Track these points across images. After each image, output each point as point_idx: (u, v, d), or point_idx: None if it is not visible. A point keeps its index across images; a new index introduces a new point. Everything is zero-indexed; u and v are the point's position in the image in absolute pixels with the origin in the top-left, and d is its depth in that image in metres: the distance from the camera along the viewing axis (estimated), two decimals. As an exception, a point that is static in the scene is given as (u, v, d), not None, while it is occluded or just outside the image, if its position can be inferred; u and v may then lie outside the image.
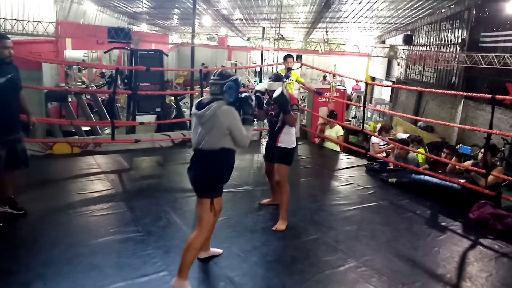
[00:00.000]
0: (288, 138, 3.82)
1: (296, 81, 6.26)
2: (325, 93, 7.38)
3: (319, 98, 7.55)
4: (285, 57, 6.19)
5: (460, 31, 12.58)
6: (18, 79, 3.50)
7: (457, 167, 5.16)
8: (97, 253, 3.15)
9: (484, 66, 10.22)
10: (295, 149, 3.97)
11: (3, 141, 3.39)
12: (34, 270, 2.86)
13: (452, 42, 13.09)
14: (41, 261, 2.98)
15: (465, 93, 6.17)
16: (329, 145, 7.28)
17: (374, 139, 6.89)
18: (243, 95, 2.84)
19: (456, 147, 5.31)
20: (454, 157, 5.27)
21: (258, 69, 18.59)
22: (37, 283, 2.72)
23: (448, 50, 13.16)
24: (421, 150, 6.33)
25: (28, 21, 12.04)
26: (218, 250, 3.25)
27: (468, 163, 5.14)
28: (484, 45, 11.07)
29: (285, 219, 3.82)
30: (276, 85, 3.75)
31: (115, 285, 2.75)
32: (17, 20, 11.68)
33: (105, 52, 14.16)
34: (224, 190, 4.69)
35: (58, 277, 2.80)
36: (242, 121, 2.76)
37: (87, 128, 9.09)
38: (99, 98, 10.72)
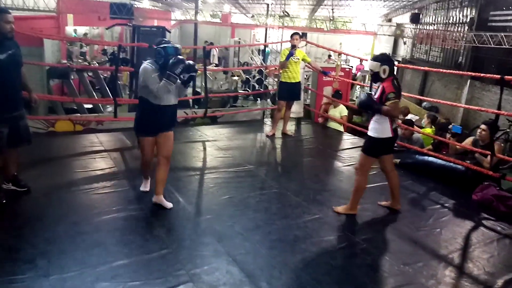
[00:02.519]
0: (377, 127, 3.56)
1: (302, 60, 6.17)
2: (330, 72, 7.27)
3: (324, 78, 7.46)
4: (292, 35, 6.09)
5: (469, 9, 12.32)
6: (19, 56, 3.44)
7: (457, 147, 5.11)
8: (100, 231, 3.16)
9: (492, 46, 10.04)
10: (383, 141, 3.58)
11: (5, 118, 3.36)
12: (38, 247, 2.88)
13: (460, 21, 12.85)
14: (45, 238, 2.99)
15: (473, 73, 6.06)
16: (332, 125, 7.23)
17: None
18: (175, 59, 3.32)
19: (449, 127, 5.25)
20: (450, 137, 5.20)
21: (262, 47, 18.35)
22: (41, 260, 2.73)
23: (456, 29, 12.92)
24: (428, 130, 6.25)
25: (29, -4, 11.87)
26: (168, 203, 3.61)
27: (468, 140, 5.08)
28: (493, 24, 10.86)
29: (349, 208, 3.73)
30: (373, 65, 3.56)
31: (119, 263, 2.77)
32: (18, -5, 11.52)
33: (107, 29, 13.98)
34: (226, 170, 4.73)
35: (62, 254, 2.82)
36: (166, 77, 3.30)
37: (89, 106, 9.05)
38: (101, 76, 10.64)
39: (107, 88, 10.06)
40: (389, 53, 3.98)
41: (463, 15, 12.70)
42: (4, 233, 3.05)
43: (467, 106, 8.61)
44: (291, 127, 6.78)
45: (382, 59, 3.59)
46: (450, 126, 5.23)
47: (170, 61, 3.33)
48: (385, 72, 3.50)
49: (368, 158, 3.69)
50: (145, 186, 3.95)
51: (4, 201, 3.45)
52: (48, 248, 2.88)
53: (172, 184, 4.15)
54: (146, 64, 3.43)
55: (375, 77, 3.58)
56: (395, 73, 3.59)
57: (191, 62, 3.46)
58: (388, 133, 3.56)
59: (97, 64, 13.05)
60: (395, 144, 3.93)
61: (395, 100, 3.46)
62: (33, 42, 6.77)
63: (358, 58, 9.90)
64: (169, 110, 3.55)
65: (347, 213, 3.72)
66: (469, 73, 7.02)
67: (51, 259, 2.76)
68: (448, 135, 5.47)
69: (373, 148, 3.67)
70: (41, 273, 2.60)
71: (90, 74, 10.61)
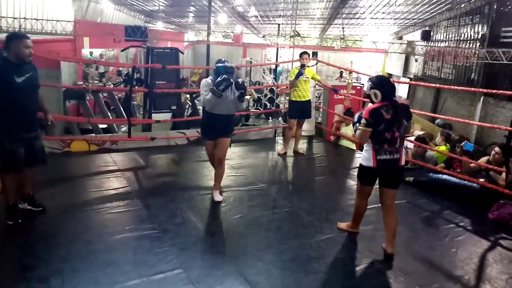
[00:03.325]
0: (364, 153, 3.38)
1: (312, 78, 6.22)
2: (341, 90, 7.30)
3: (335, 96, 7.48)
4: (301, 54, 6.16)
5: (480, 26, 12.29)
6: (36, 78, 3.55)
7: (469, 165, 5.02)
8: (113, 250, 3.18)
9: (505, 62, 9.97)
10: (367, 170, 3.34)
11: (21, 138, 3.45)
12: (52, 265, 2.91)
13: (472, 38, 12.80)
14: (59, 257, 3.03)
15: (485, 90, 6.01)
16: (344, 143, 7.21)
17: (409, 145, 6.56)
18: (221, 77, 3.92)
19: (461, 144, 5.13)
20: (463, 155, 5.08)
21: (273, 67, 18.51)
22: (55, 278, 2.76)
23: (467, 46, 12.88)
24: (442, 148, 6.16)
25: (47, 20, 12.25)
26: (219, 197, 4.29)
27: (483, 159, 5.01)
28: (505, 40, 10.80)
29: (351, 226, 3.74)
30: (366, 86, 3.40)
31: (131, 282, 2.78)
32: (36, 20, 11.90)
33: (122, 51, 14.30)
34: (238, 188, 4.74)
35: (76, 273, 2.84)
36: (212, 91, 3.95)
37: (104, 126, 9.20)
38: (116, 96, 10.84)
39: (122, 109, 10.24)
40: (388, 76, 3.59)
41: (474, 32, 12.66)
42: (19, 252, 3.10)
43: (480, 123, 8.51)
44: (302, 145, 6.78)
45: (374, 82, 3.29)
46: (462, 144, 5.13)
47: (218, 79, 3.92)
48: (376, 96, 3.23)
49: (361, 184, 3.48)
50: (217, 196, 4.35)
51: (20, 220, 3.51)
52: (62, 266, 2.91)
53: (185, 203, 4.18)
54: (206, 79, 4.17)
55: (370, 98, 3.32)
56: (394, 98, 3.26)
57: (240, 80, 4.06)
58: (370, 163, 3.29)
59: (112, 85, 13.32)
60: (395, 177, 3.38)
61: (364, 128, 3.16)
62: (50, 64, 6.99)
63: (370, 76, 9.93)
64: (223, 119, 4.15)
65: (349, 230, 3.72)
66: (481, 89, 6.97)
67: (65, 277, 2.78)
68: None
69: (360, 174, 3.45)
70: (55, 293, 2.63)
71: (105, 94, 10.83)
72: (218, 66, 4.06)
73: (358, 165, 3.47)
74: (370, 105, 3.29)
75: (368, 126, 3.16)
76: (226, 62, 4.10)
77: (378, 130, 3.18)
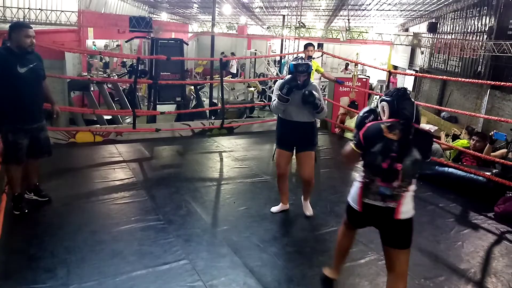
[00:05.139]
0: (352, 188, 2.49)
1: (316, 70, 6.16)
2: (346, 82, 7.25)
3: (340, 88, 7.43)
4: (306, 46, 6.10)
5: (487, 18, 12.15)
6: (41, 69, 3.54)
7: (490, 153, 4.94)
8: (119, 241, 3.20)
9: (512, 54, 9.87)
10: (351, 210, 2.48)
11: (26, 129, 3.45)
12: (58, 256, 2.93)
13: (479, 30, 12.67)
14: (65, 247, 3.04)
15: (492, 82, 5.94)
16: (349, 135, 7.17)
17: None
18: (289, 77, 3.45)
19: (490, 134, 4.97)
20: (487, 144, 4.98)
21: (278, 58, 18.43)
22: (61, 269, 2.78)
23: (474, 38, 12.75)
24: (465, 141, 6.01)
25: (52, 10, 12.23)
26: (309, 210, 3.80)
27: (501, 152, 4.96)
28: (513, 32, 10.68)
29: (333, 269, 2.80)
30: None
31: (137, 273, 2.79)
32: (41, 10, 11.88)
33: (126, 42, 14.28)
34: (243, 180, 4.74)
35: (82, 263, 2.86)
36: (278, 97, 3.49)
37: (109, 117, 9.22)
38: (121, 87, 10.84)
39: (126, 100, 10.25)
40: (406, 90, 2.44)
41: (481, 24, 12.53)
42: (25, 242, 3.11)
43: (486, 116, 8.44)
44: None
45: (388, 93, 2.41)
46: (491, 133, 4.90)
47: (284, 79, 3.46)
48: (384, 110, 2.36)
49: (347, 222, 2.61)
50: (277, 207, 3.87)
51: (26, 211, 3.52)
52: (68, 257, 2.92)
53: (189, 195, 4.18)
54: (280, 80, 3.60)
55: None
56: (411, 119, 2.27)
57: (307, 91, 3.42)
58: (355, 204, 2.40)
59: (116, 76, 13.31)
60: (396, 233, 2.37)
61: (352, 147, 2.37)
62: (55, 55, 6.97)
63: (376, 67, 9.86)
64: (296, 127, 3.57)
65: (330, 277, 2.78)
66: (488, 82, 6.88)
67: (71, 268, 2.80)
68: (472, 141, 5.28)
69: (347, 212, 2.55)
70: (61, 282, 2.65)
71: (110, 86, 10.83)
72: (290, 64, 3.49)
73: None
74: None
75: (358, 147, 2.35)
76: (300, 60, 3.49)
77: (371, 152, 2.27)
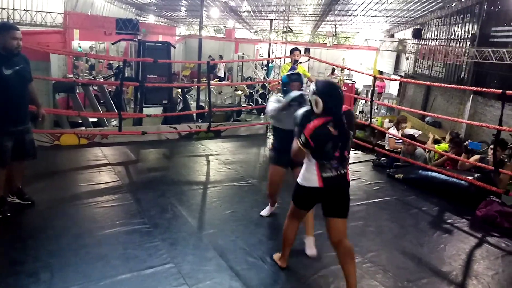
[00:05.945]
0: (303, 171, 2.72)
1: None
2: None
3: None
4: (292, 50, 6.16)
5: (470, 25, 12.40)
6: (27, 71, 3.49)
7: (466, 163, 5.10)
8: (103, 244, 3.17)
9: (494, 61, 10.08)
10: (309, 191, 2.70)
11: (11, 131, 3.40)
12: (41, 260, 2.89)
13: (462, 37, 12.92)
14: (48, 251, 3.01)
15: (474, 88, 6.09)
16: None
17: (391, 131, 6.67)
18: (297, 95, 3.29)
19: (465, 143, 5.21)
20: (463, 153, 5.18)
21: (265, 62, 18.50)
22: (44, 273, 2.74)
23: (458, 45, 13.00)
24: (445, 146, 6.16)
25: (37, 11, 12.05)
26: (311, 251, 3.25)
27: (475, 158, 5.09)
28: (495, 40, 10.91)
29: (281, 256, 3.07)
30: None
31: (122, 277, 2.77)
32: (26, 11, 11.71)
33: (112, 44, 14.18)
34: (229, 184, 4.74)
35: (65, 267, 2.83)
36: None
37: (94, 120, 9.13)
38: (106, 90, 10.75)
39: (112, 102, 10.16)
40: (336, 85, 2.81)
41: (465, 31, 12.78)
42: (7, 246, 3.06)
43: (469, 121, 8.62)
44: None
45: (319, 86, 2.58)
46: (466, 143, 5.16)
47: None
48: (317, 105, 2.53)
49: (295, 208, 2.84)
50: (266, 211, 3.93)
51: (9, 214, 3.47)
52: (51, 261, 2.89)
53: (175, 198, 4.16)
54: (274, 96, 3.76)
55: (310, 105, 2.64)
56: (340, 111, 2.56)
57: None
58: (314, 182, 2.61)
59: (102, 79, 13.20)
60: (344, 199, 2.79)
61: (302, 149, 2.57)
62: (40, 56, 6.90)
63: (362, 72, 9.99)
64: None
65: (278, 264, 3.05)
66: (471, 87, 7.04)
67: (54, 272, 2.76)
68: (448, 147, 5.47)
69: (297, 197, 2.79)
70: (44, 286, 2.62)
71: (96, 88, 10.73)
72: (282, 77, 3.73)
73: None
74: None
75: (306, 147, 2.55)
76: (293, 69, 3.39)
77: (324, 150, 2.56)
